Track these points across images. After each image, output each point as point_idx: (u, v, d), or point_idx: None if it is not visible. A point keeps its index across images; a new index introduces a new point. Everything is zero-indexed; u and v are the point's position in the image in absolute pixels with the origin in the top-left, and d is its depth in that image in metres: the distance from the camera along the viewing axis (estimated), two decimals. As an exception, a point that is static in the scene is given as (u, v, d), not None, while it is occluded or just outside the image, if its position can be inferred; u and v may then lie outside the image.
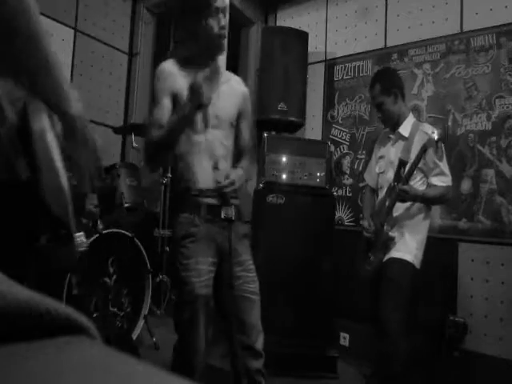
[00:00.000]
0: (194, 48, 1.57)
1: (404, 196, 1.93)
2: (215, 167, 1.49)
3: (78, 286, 1.84)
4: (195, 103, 1.36)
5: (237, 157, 1.64)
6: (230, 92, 1.61)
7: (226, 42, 1.58)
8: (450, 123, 2.76)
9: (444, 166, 2.02)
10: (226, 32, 1.53)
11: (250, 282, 1.50)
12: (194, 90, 1.34)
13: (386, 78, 2.17)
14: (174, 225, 1.50)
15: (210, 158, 1.49)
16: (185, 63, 1.56)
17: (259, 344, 1.49)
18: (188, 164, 1.49)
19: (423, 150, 1.91)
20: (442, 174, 2.02)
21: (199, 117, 1.47)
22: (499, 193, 2.54)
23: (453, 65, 2.79)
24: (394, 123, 2.15)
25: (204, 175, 1.48)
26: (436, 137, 1.89)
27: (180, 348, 1.45)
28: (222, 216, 1.47)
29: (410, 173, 1.95)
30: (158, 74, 1.54)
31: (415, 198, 1.99)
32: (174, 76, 1.52)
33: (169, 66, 1.55)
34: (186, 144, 1.48)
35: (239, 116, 1.62)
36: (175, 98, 1.49)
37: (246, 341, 1.47)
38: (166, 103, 1.49)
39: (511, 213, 2.49)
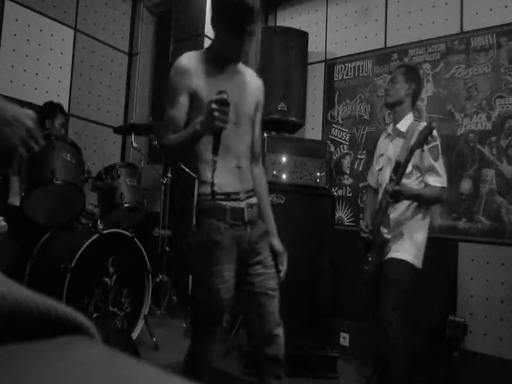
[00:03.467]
0: (218, 46, 1.47)
1: (398, 196, 1.93)
2: (238, 166, 1.43)
3: None
4: (208, 126, 1.24)
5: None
6: (248, 85, 1.54)
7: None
8: (448, 124, 2.76)
9: (439, 166, 2.01)
10: (246, 48, 1.47)
11: (269, 278, 1.47)
12: (209, 112, 1.21)
13: (414, 73, 2.23)
14: (193, 231, 1.43)
15: (232, 155, 1.42)
16: (206, 57, 1.46)
17: (279, 332, 1.48)
18: (209, 165, 1.36)
19: (412, 152, 1.91)
20: (437, 174, 2.01)
21: None
22: (499, 193, 2.54)
23: (453, 65, 2.79)
24: (391, 103, 2.18)
25: (228, 176, 1.41)
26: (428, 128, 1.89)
27: (196, 350, 1.43)
28: (246, 219, 1.42)
29: (401, 174, 1.94)
30: (173, 70, 1.43)
31: (410, 196, 1.99)
32: (192, 72, 1.41)
33: (185, 61, 1.43)
34: (206, 142, 1.36)
35: (255, 110, 1.55)
36: (192, 97, 1.40)
37: (267, 333, 1.45)
38: (183, 102, 1.40)
39: (511, 213, 2.49)
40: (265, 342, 1.45)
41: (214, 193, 1.36)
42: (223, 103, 1.20)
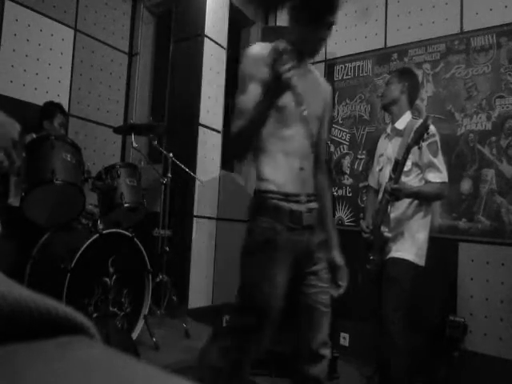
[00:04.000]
0: (294, 39, 1.37)
1: (398, 194, 1.93)
2: (301, 167, 1.35)
3: None
4: (275, 86, 1.13)
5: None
6: (319, 85, 1.47)
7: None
8: (448, 124, 2.76)
9: (439, 161, 2.01)
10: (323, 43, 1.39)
11: (323, 292, 1.39)
12: (276, 59, 1.10)
13: (407, 72, 2.26)
14: (249, 229, 1.34)
15: (297, 156, 1.35)
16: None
17: (326, 353, 1.38)
18: (273, 162, 1.33)
19: (408, 150, 1.91)
20: (436, 170, 2.00)
21: (288, 111, 1.31)
22: (499, 193, 2.54)
23: (453, 65, 2.79)
24: (387, 104, 2.20)
25: (290, 176, 1.33)
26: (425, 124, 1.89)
27: (233, 357, 1.32)
28: (304, 223, 1.33)
29: (399, 172, 1.94)
30: (247, 58, 1.35)
31: (409, 194, 1.98)
32: (265, 61, 1.30)
33: (258, 50, 1.35)
34: (272, 139, 1.33)
35: (323, 111, 1.48)
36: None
37: (313, 351, 1.36)
38: (254, 90, 1.29)
39: (511, 213, 2.49)
40: (309, 361, 1.37)
41: (271, 191, 1.31)
42: (280, 54, 1.10)
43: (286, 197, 1.32)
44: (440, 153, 2.02)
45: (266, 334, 1.31)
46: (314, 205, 1.39)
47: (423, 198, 2.04)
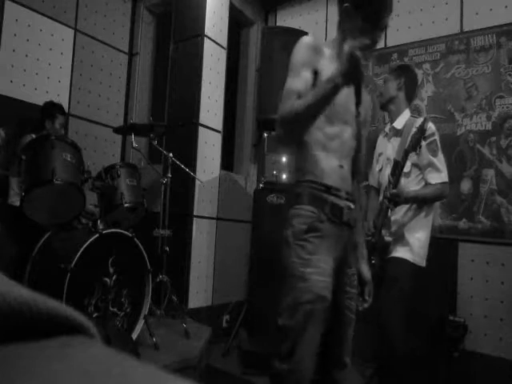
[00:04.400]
0: (346, 37, 1.34)
1: (397, 200, 1.93)
2: (340, 165, 1.34)
3: None
4: (352, 72, 1.10)
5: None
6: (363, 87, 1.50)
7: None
8: (448, 124, 2.76)
9: (438, 161, 2.00)
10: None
11: (351, 298, 1.37)
12: (353, 54, 1.08)
13: (404, 69, 2.24)
14: (291, 217, 1.29)
15: (335, 154, 1.33)
16: (332, 45, 1.38)
17: (348, 362, 1.38)
18: (315, 155, 1.31)
19: (406, 155, 1.90)
20: (436, 170, 1.99)
21: (340, 107, 1.29)
22: (499, 193, 2.54)
23: (453, 65, 2.79)
24: (384, 103, 2.20)
25: (331, 171, 1.31)
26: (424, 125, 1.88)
27: (288, 359, 1.21)
28: (344, 219, 1.30)
29: (398, 176, 1.94)
30: (300, 44, 1.33)
31: (408, 199, 1.98)
32: (319, 51, 1.33)
33: (312, 40, 1.35)
34: (316, 133, 1.30)
35: (365, 115, 1.46)
36: (315, 76, 1.29)
37: (339, 358, 1.36)
38: (306, 76, 1.28)
39: (511, 213, 2.49)
40: (334, 365, 1.36)
41: (312, 181, 1.29)
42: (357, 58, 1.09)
43: (328, 189, 1.29)
44: (440, 152, 2.01)
45: (317, 333, 1.22)
46: (352, 205, 1.35)
47: (422, 201, 2.03)
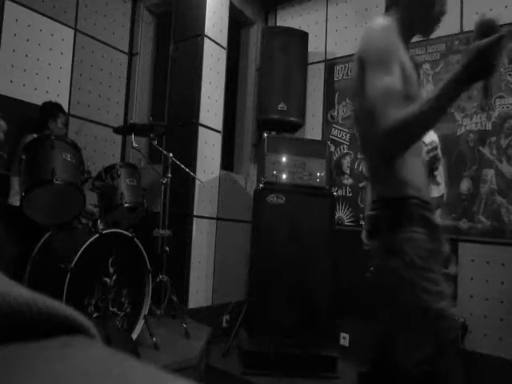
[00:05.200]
0: (412, 18, 1.20)
1: None
2: (429, 175, 1.23)
3: None
4: (486, 66, 0.92)
5: None
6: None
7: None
8: (448, 124, 2.76)
9: (439, 174, 2.02)
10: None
11: None
12: (496, 39, 0.92)
13: None
14: (399, 243, 1.06)
15: (423, 161, 1.21)
16: (396, 27, 1.17)
17: None
18: (412, 167, 1.11)
19: None
20: (434, 183, 2.02)
21: None
22: (499, 193, 2.54)
23: (453, 65, 2.79)
24: None
25: (426, 184, 1.15)
26: (431, 149, 1.89)
27: None
28: (442, 240, 1.13)
29: None
30: (380, 32, 1.11)
31: None
32: (399, 42, 1.13)
33: (389, 22, 1.14)
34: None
35: None
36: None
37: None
38: (398, 72, 1.06)
39: (511, 213, 2.49)
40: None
41: (415, 197, 1.09)
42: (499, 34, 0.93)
43: (426, 204, 1.11)
44: (440, 165, 2.03)
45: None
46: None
47: None
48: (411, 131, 1.00)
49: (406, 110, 0.99)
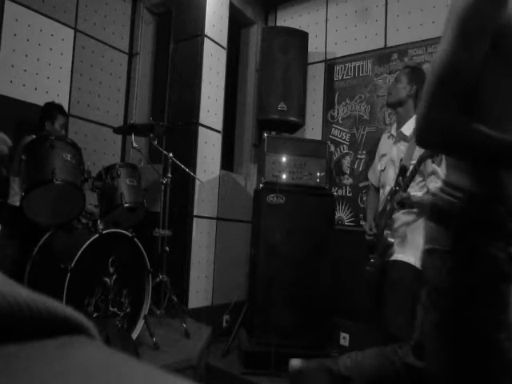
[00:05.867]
0: None
1: (406, 203, 1.95)
2: None
3: None
4: None
5: None
6: None
7: None
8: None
9: (442, 171, 2.02)
10: None
11: None
12: None
13: (419, 74, 2.23)
14: (467, 257, 0.90)
15: None
16: None
17: None
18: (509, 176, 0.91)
19: (419, 162, 1.91)
20: (439, 179, 2.02)
21: None
22: (499, 193, 2.54)
23: (453, 65, 2.79)
24: (392, 103, 2.21)
25: None
26: None
27: None
28: None
29: (409, 180, 1.95)
30: None
31: (413, 204, 2.00)
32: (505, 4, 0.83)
33: None
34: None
35: None
36: (498, 38, 0.82)
37: None
38: (484, 45, 0.83)
39: (511, 213, 2.49)
40: None
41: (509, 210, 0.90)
42: None
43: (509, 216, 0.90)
44: (444, 161, 2.03)
45: None
46: None
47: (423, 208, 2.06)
48: (450, 149, 0.86)
49: (465, 122, 0.79)
